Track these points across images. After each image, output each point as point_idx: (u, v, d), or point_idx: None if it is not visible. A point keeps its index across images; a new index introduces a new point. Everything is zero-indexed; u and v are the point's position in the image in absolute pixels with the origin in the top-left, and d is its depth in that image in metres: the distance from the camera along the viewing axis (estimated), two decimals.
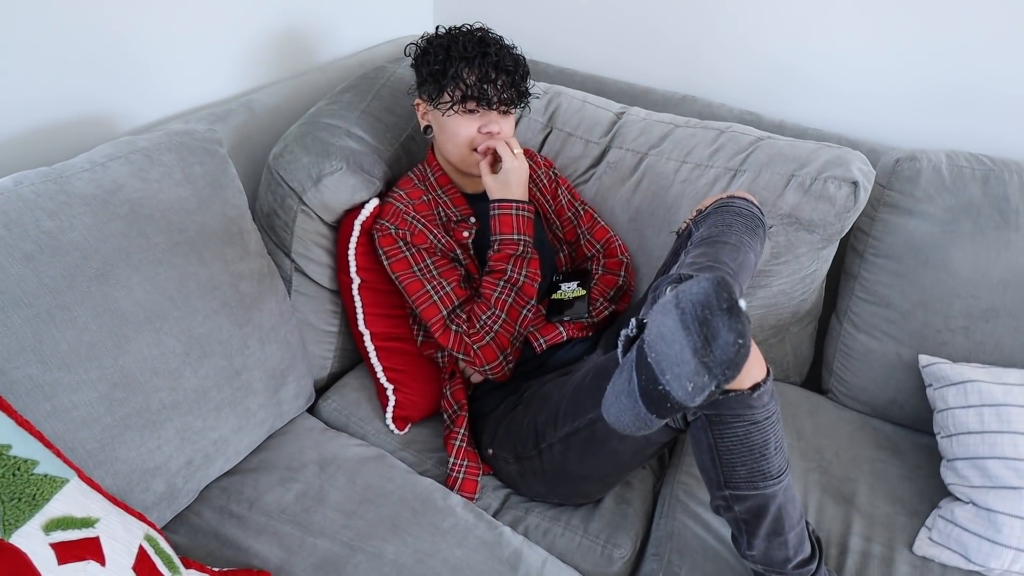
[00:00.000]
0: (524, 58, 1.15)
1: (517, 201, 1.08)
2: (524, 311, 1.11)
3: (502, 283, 1.10)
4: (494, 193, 1.09)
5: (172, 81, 1.20)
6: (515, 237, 1.09)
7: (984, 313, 1.18)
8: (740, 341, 0.69)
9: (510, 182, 1.09)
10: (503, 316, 1.09)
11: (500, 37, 1.14)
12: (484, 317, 1.10)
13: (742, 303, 0.70)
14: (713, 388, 0.70)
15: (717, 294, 0.70)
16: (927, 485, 1.14)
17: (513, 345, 1.12)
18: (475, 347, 1.10)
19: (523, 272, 1.10)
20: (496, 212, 1.09)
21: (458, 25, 1.15)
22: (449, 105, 1.10)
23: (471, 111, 1.10)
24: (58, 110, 1.05)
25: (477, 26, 1.14)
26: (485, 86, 1.08)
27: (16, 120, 1.00)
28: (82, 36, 1.04)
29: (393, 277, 1.14)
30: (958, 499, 1.06)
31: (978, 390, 1.09)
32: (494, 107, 1.11)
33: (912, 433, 1.26)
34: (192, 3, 1.18)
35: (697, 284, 0.72)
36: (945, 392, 1.13)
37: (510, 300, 1.10)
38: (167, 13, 1.15)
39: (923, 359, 1.21)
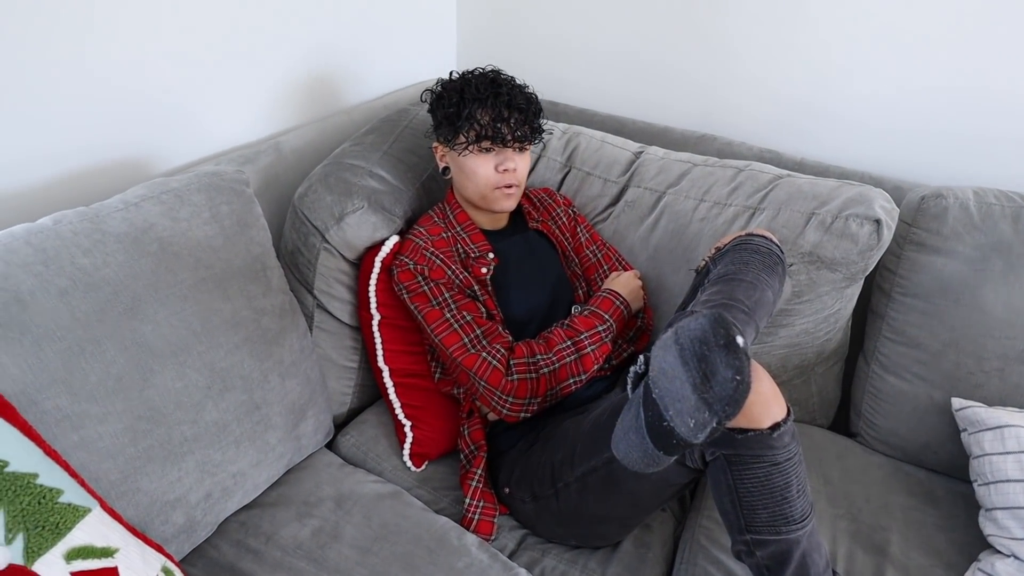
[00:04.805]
0: (536, 96, 1.17)
1: (624, 300, 1.20)
2: (571, 380, 1.10)
3: (570, 343, 1.11)
4: (617, 285, 1.22)
5: (204, 125, 1.25)
6: (605, 316, 1.15)
7: (1020, 355, 1.14)
8: (738, 377, 0.69)
9: (635, 294, 1.23)
10: (556, 367, 1.09)
11: (512, 77, 1.17)
12: (538, 356, 1.09)
13: (740, 340, 0.70)
14: (714, 424, 0.69)
15: (714, 331, 0.70)
16: (965, 535, 1.08)
17: (544, 398, 1.10)
18: (512, 376, 1.07)
19: (592, 347, 1.12)
20: (606, 293, 1.20)
21: (471, 69, 1.18)
22: (465, 145, 1.13)
23: (486, 150, 1.13)
24: (98, 154, 1.10)
25: (489, 68, 1.18)
26: (499, 124, 1.11)
27: (59, 164, 1.06)
28: (120, 86, 1.10)
29: (412, 307, 1.15)
30: (999, 552, 1.01)
31: (1016, 436, 1.04)
32: (509, 144, 1.13)
33: (947, 480, 1.21)
34: (223, 53, 1.24)
35: (695, 321, 0.72)
36: (980, 437, 1.09)
37: (568, 360, 1.09)
38: (201, 64, 1.21)
39: (956, 402, 1.16)
